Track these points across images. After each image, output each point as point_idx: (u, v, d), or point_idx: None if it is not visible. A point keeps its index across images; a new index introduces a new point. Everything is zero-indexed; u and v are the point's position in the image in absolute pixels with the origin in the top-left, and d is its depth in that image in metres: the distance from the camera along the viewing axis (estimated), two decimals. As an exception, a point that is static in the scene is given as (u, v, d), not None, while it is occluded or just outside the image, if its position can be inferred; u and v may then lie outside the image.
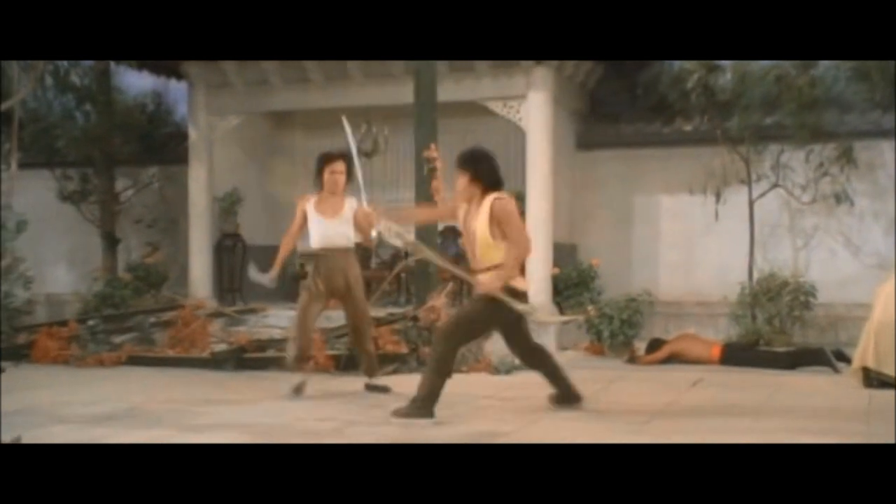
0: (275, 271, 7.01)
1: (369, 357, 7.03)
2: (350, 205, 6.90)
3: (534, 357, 6.10)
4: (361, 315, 6.94)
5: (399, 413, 5.63)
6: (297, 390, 6.74)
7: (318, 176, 6.92)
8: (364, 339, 6.97)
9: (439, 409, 5.70)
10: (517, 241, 5.60)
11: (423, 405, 5.60)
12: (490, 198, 5.62)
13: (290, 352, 6.92)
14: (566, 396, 6.07)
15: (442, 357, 5.65)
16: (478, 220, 5.63)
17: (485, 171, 5.70)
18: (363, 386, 6.99)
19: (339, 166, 6.90)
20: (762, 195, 10.86)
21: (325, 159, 6.93)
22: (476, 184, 5.68)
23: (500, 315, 5.72)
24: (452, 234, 11.80)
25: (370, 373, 7.04)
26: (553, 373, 6.11)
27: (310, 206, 6.90)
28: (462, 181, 5.70)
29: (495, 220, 5.56)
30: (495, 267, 5.58)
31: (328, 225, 6.81)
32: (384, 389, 6.87)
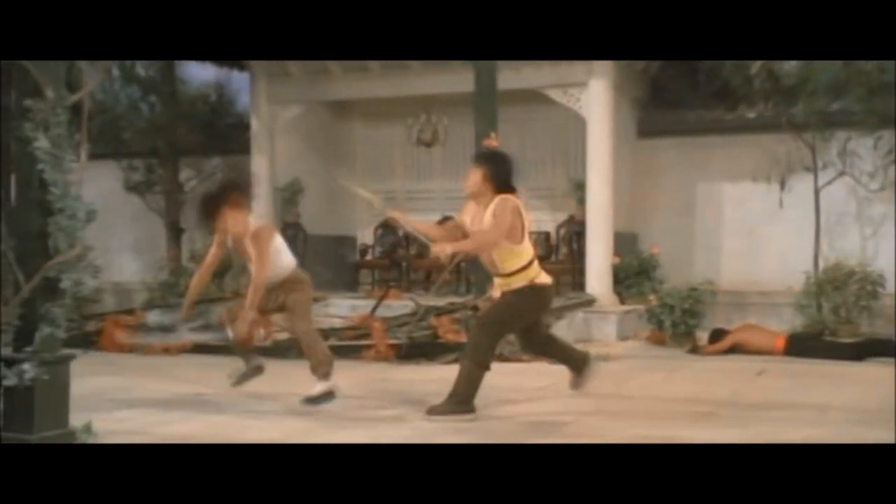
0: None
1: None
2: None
3: (548, 345, 6.09)
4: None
5: (436, 411, 5.47)
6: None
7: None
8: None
9: (500, 398, 5.71)
10: (494, 227, 5.47)
11: (464, 400, 5.48)
12: (497, 198, 5.52)
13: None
14: (581, 365, 6.02)
15: (483, 351, 5.55)
16: (485, 223, 5.53)
17: (499, 172, 5.57)
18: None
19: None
20: (828, 183, 10.65)
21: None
22: (488, 183, 5.54)
23: (534, 305, 5.68)
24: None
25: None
26: (564, 352, 6.10)
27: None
28: (475, 177, 5.57)
29: (491, 215, 5.48)
30: (520, 270, 5.54)
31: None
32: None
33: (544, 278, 5.67)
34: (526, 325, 5.83)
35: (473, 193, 5.62)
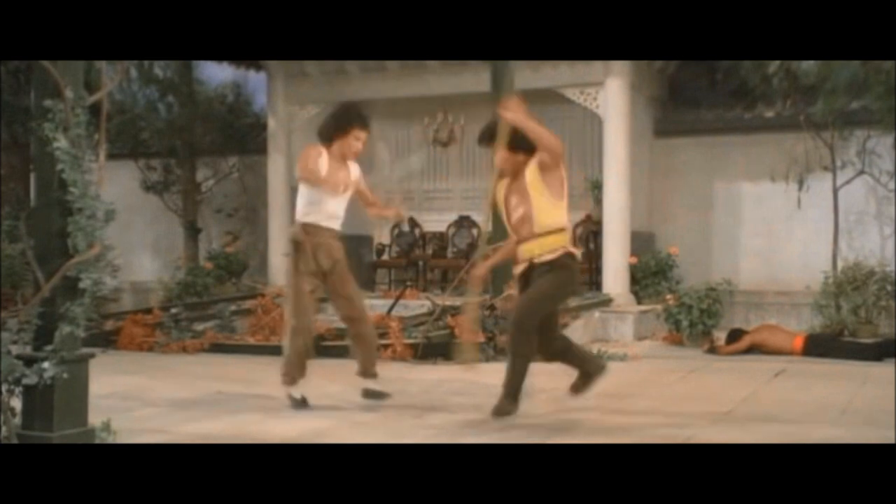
0: None
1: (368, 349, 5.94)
2: (357, 176, 5.97)
3: (566, 349, 5.61)
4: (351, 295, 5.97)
5: (501, 411, 5.21)
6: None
7: (335, 134, 5.84)
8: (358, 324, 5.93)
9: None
10: (547, 140, 5.18)
11: (517, 396, 5.28)
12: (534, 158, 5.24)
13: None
14: (594, 373, 5.56)
15: (527, 339, 5.21)
16: (527, 181, 5.20)
17: (520, 139, 5.24)
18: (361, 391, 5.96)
19: (364, 134, 5.89)
20: (847, 182, 10.59)
21: (355, 120, 5.87)
22: (518, 153, 5.28)
23: (570, 279, 5.33)
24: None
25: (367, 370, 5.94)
26: (581, 356, 5.66)
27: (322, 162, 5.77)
28: (502, 156, 5.28)
29: (542, 168, 5.17)
30: (557, 231, 5.21)
31: (333, 202, 5.86)
32: (381, 395, 5.90)
33: (573, 248, 5.33)
34: (546, 317, 5.31)
35: (509, 171, 5.32)
